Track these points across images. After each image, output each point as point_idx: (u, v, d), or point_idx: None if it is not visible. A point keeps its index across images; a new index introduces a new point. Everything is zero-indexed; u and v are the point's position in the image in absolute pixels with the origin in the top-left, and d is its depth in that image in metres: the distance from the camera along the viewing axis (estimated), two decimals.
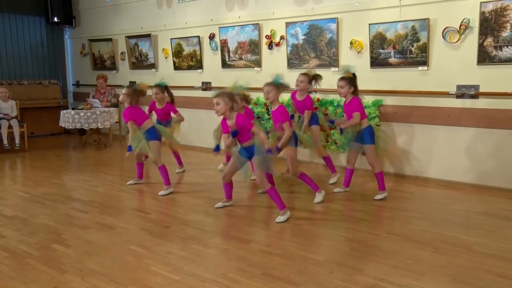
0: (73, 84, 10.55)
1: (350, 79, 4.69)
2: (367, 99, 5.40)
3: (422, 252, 3.42)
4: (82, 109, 8.02)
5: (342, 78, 4.72)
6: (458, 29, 5.06)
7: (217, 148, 4.49)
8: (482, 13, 4.86)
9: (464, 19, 5.00)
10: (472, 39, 5.00)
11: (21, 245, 3.65)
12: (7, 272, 3.18)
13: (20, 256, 3.45)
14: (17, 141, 7.85)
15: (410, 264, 3.20)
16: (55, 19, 9.82)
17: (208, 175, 6.05)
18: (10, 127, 7.83)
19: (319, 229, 3.99)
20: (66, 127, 8.15)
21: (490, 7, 4.82)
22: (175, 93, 6.28)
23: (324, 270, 3.12)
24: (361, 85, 5.63)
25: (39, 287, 2.95)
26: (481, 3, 4.85)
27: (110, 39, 9.25)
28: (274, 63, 6.75)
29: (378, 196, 4.73)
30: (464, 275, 3.03)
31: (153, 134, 5.19)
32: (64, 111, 8.12)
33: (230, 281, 2.95)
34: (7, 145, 7.70)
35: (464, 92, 5.14)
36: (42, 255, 3.46)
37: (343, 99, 5.97)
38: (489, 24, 4.84)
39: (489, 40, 4.88)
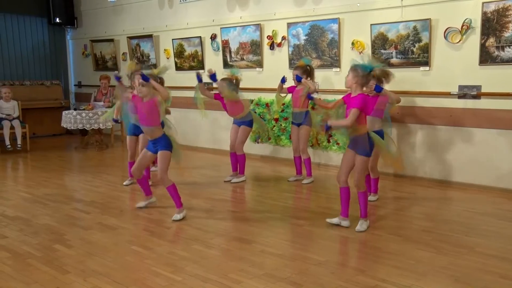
0: (75, 85, 10.56)
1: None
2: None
3: (423, 252, 3.42)
4: (84, 109, 8.04)
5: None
6: (460, 29, 5.06)
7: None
8: (484, 14, 4.86)
9: (466, 19, 5.00)
10: (474, 40, 4.99)
11: (23, 246, 3.66)
12: (9, 272, 3.19)
13: (22, 256, 3.45)
14: (19, 141, 7.87)
15: (411, 264, 3.20)
16: (57, 20, 9.84)
17: (209, 175, 6.05)
18: (12, 127, 7.85)
19: (320, 230, 3.99)
20: (68, 128, 8.16)
21: (492, 7, 4.81)
22: (177, 93, 6.28)
23: (326, 271, 3.12)
24: None
25: (41, 287, 2.95)
26: (483, 3, 4.85)
27: (111, 40, 9.26)
28: (276, 63, 6.76)
29: (372, 198, 4.63)
30: (465, 276, 3.03)
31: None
32: (66, 111, 8.13)
33: (231, 282, 2.95)
34: (9, 145, 7.72)
35: (466, 92, 5.13)
36: (44, 255, 3.47)
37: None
38: (491, 25, 4.84)
39: (491, 41, 4.87)
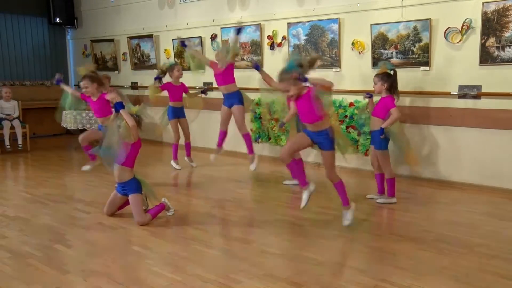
0: (75, 85, 10.52)
1: (382, 76, 4.55)
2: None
3: (424, 252, 3.41)
4: (84, 110, 8.02)
5: (376, 75, 4.60)
6: (460, 29, 5.06)
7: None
8: (484, 14, 4.86)
9: (466, 19, 4.99)
10: (474, 40, 4.99)
11: (23, 246, 3.65)
12: (10, 272, 3.18)
13: (23, 256, 3.45)
14: (19, 141, 7.87)
15: (412, 264, 3.19)
16: (57, 20, 9.84)
17: (210, 176, 6.05)
18: (12, 127, 7.85)
19: (320, 230, 3.98)
20: (68, 128, 8.15)
21: (492, 7, 4.81)
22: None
23: (326, 271, 3.12)
24: (362, 85, 5.66)
25: (41, 286, 2.95)
26: (483, 3, 4.85)
27: (112, 40, 9.26)
28: (276, 63, 6.71)
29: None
30: (466, 276, 3.02)
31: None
32: (66, 111, 8.11)
33: (232, 282, 2.95)
34: (9, 146, 7.73)
35: (466, 92, 5.13)
36: (44, 255, 3.46)
37: (344, 99, 6.04)
38: (491, 25, 4.84)
39: (491, 41, 4.87)
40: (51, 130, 9.46)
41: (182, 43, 6.04)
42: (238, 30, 5.68)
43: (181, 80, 6.37)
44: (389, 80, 4.53)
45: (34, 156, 7.67)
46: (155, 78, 6.30)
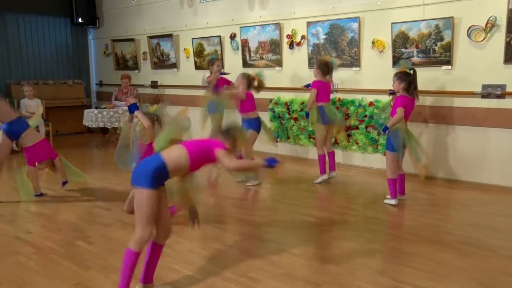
0: (96, 84, 10.70)
1: (400, 75, 4.48)
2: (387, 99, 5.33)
3: (445, 254, 3.36)
4: (105, 108, 8.13)
5: (395, 74, 4.54)
6: (484, 27, 4.96)
7: None
8: (510, 11, 4.75)
9: (491, 17, 4.89)
10: (499, 38, 4.89)
11: (46, 241, 3.72)
12: (34, 267, 3.24)
13: (46, 252, 3.51)
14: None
15: (432, 266, 3.15)
16: (80, 20, 9.99)
17: (227, 175, 6.04)
18: (36, 125, 7.99)
19: (339, 230, 3.96)
20: (89, 126, 8.27)
21: None
22: (196, 92, 6.30)
23: (345, 271, 3.10)
24: (383, 85, 5.60)
25: (64, 283, 2.99)
26: (508, 0, 4.74)
27: (132, 39, 9.35)
28: (295, 62, 6.73)
29: None
30: (489, 279, 2.97)
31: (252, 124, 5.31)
32: (88, 110, 8.25)
33: (251, 280, 2.95)
34: None
35: (490, 92, 5.03)
36: (66, 251, 3.52)
37: (364, 98, 5.99)
38: None
39: None
40: (73, 128, 9.61)
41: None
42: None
43: (200, 79, 6.34)
44: (406, 79, 4.45)
45: (57, 153, 7.77)
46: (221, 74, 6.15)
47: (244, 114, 5.42)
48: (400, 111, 4.37)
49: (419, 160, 4.51)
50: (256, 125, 5.41)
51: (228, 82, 6.13)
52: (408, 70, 4.49)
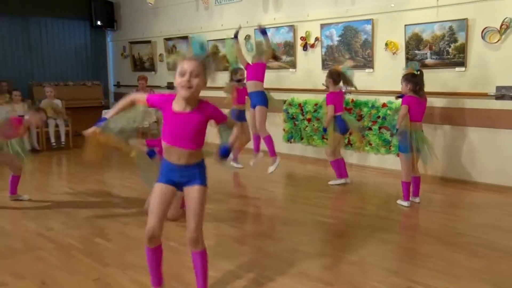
0: (114, 85, 10.82)
1: (407, 77, 4.45)
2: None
3: (458, 255, 3.33)
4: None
5: (402, 76, 4.51)
6: (498, 29, 4.90)
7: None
8: None
9: (506, 18, 4.84)
10: None
11: (66, 238, 3.77)
12: (55, 262, 3.30)
13: (66, 248, 3.56)
14: (62, 139, 8.14)
15: (445, 267, 3.13)
16: (98, 23, 10.11)
17: (244, 174, 6.07)
18: (56, 126, 8.13)
19: (352, 229, 3.95)
20: None
21: None
22: (211, 93, 6.29)
23: (358, 271, 3.09)
24: (395, 86, 5.54)
25: (83, 278, 3.04)
26: None
27: (149, 41, 9.44)
28: (309, 64, 6.73)
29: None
30: (503, 280, 2.94)
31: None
32: (106, 110, 8.32)
33: (264, 279, 2.96)
34: (54, 143, 8.00)
35: (504, 93, 4.97)
36: (86, 248, 3.56)
37: (377, 100, 5.97)
38: None
39: None
40: None
41: (262, 31, 5.78)
42: (263, 31, 5.67)
43: (216, 81, 6.35)
44: (413, 80, 4.41)
45: (76, 153, 7.87)
46: (237, 80, 6.20)
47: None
48: (403, 108, 4.36)
49: (426, 162, 4.48)
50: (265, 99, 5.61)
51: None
52: (415, 72, 4.45)
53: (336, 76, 5.21)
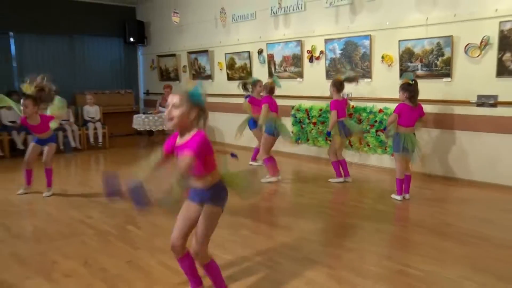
0: (144, 93, 10.92)
1: (403, 86, 4.44)
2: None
3: (445, 243, 3.34)
4: (151, 114, 8.31)
5: (400, 85, 4.49)
6: (479, 45, 4.88)
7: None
8: (501, 32, 4.68)
9: (485, 36, 4.82)
10: (491, 54, 4.81)
11: (104, 225, 3.86)
12: (95, 246, 3.39)
13: (104, 234, 3.65)
14: (100, 140, 8.26)
15: (433, 253, 3.14)
16: (131, 40, 10.21)
17: (258, 172, 6.10)
18: (95, 128, 8.26)
19: (352, 220, 3.97)
20: (137, 129, 8.46)
21: (508, 26, 4.63)
22: (228, 100, 6.33)
23: (356, 256, 3.11)
24: (391, 94, 5.56)
25: (118, 259, 3.11)
26: (500, 22, 4.67)
27: (174, 55, 9.51)
28: (314, 74, 6.74)
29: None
30: (482, 264, 2.96)
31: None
32: (136, 115, 8.44)
33: (274, 263, 3.00)
34: (93, 143, 8.14)
35: (484, 101, 4.95)
36: (120, 234, 3.64)
37: (375, 106, 5.96)
38: (508, 41, 4.65)
39: (507, 55, 4.68)
40: (125, 130, 9.79)
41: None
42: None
43: (233, 89, 6.38)
44: (408, 89, 4.40)
45: (111, 152, 8.01)
46: (246, 97, 6.25)
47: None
48: (393, 116, 4.43)
49: (413, 162, 4.53)
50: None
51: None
52: (410, 81, 4.45)
53: (338, 85, 5.19)
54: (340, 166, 5.34)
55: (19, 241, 3.54)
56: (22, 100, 4.60)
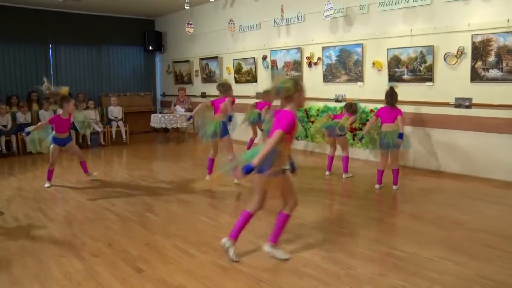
0: (160, 95, 10.94)
1: (386, 92, 4.52)
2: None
3: (426, 228, 3.35)
4: (166, 113, 8.33)
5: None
6: (455, 54, 4.89)
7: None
8: (473, 43, 4.70)
9: (460, 46, 4.84)
10: (466, 62, 4.84)
11: (125, 212, 3.89)
12: (117, 230, 3.42)
13: (125, 219, 3.68)
14: (124, 136, 8.31)
15: (416, 236, 3.16)
16: (150, 48, 10.23)
17: None
18: (118, 126, 8.30)
19: (346, 208, 3.97)
20: (154, 127, 8.48)
21: (479, 38, 4.67)
22: (236, 101, 6.31)
23: (350, 240, 3.12)
24: (380, 96, 5.52)
25: (138, 242, 3.15)
26: (472, 35, 4.72)
27: (187, 61, 9.52)
28: (313, 78, 6.73)
29: None
30: (456, 245, 2.98)
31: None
32: (154, 114, 8.45)
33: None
34: (116, 139, 8.18)
35: (460, 103, 4.95)
36: (139, 220, 3.67)
37: (366, 106, 5.94)
38: (479, 51, 4.68)
39: (479, 64, 4.70)
40: (143, 128, 9.84)
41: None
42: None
43: (239, 90, 6.39)
44: (385, 94, 4.53)
45: (132, 147, 8.05)
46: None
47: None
48: (373, 118, 4.61)
49: (396, 156, 4.53)
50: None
51: (268, 104, 6.08)
52: (389, 88, 4.54)
53: (349, 107, 5.09)
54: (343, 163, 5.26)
55: (54, 224, 3.58)
56: (61, 102, 4.78)
